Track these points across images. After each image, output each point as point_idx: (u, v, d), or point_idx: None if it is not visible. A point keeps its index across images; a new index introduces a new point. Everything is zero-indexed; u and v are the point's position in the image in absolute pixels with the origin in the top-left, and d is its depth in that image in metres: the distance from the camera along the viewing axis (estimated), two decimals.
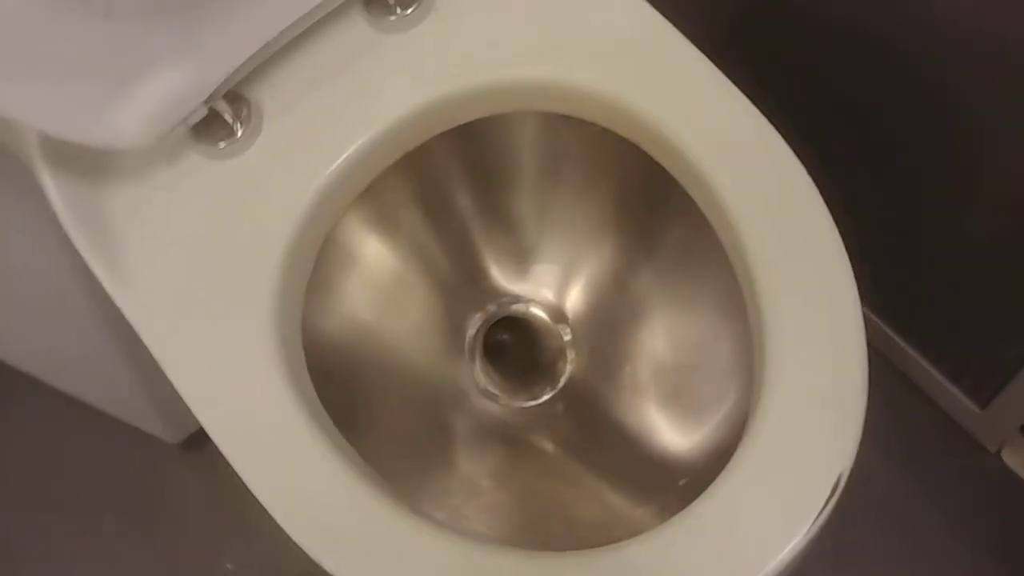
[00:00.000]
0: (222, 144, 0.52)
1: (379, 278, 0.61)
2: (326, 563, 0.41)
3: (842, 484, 0.39)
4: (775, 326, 0.43)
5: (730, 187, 0.47)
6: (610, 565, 0.39)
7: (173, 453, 0.94)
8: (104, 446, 0.98)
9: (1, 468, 1.00)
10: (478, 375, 0.68)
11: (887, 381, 0.89)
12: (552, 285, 0.68)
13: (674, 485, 0.53)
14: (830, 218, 0.46)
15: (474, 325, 0.69)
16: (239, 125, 0.52)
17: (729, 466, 0.41)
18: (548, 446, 0.65)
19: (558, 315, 0.68)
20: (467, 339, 0.68)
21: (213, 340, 0.48)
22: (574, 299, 0.68)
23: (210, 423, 0.46)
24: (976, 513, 0.85)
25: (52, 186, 0.50)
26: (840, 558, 0.84)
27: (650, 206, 0.59)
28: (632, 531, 0.40)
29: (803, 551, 0.39)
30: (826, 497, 0.39)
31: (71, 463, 1.00)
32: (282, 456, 0.44)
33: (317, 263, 0.53)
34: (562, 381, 0.68)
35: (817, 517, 0.39)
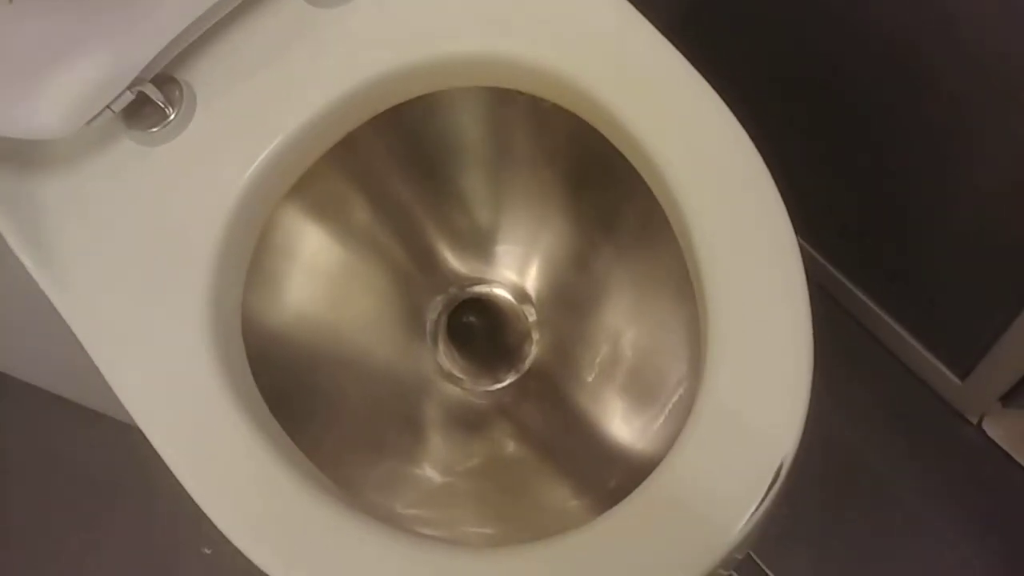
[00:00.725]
0: (154, 129, 0.50)
1: (328, 268, 0.60)
2: (251, 555, 0.40)
3: (784, 471, 0.38)
4: (719, 310, 0.42)
5: (674, 165, 0.45)
6: (543, 559, 0.38)
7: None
8: (82, 432, 0.97)
9: None
10: (442, 359, 0.67)
11: (867, 353, 0.88)
12: (514, 266, 0.66)
13: (611, 482, 0.52)
14: (779, 199, 0.44)
15: (435, 309, 0.67)
16: (171, 108, 0.50)
17: (670, 454, 0.39)
18: (510, 431, 0.64)
19: (522, 296, 0.67)
20: (428, 323, 0.67)
21: (144, 328, 0.47)
22: (537, 280, 0.66)
23: (137, 410, 0.45)
24: (957, 483, 0.84)
25: None
26: (820, 529, 0.84)
27: (607, 182, 0.57)
28: (566, 524, 0.38)
29: (746, 539, 0.38)
30: (768, 485, 0.38)
31: (50, 448, 0.99)
32: (207, 444, 0.43)
33: (261, 255, 0.52)
34: (527, 363, 0.66)
35: (759, 505, 0.38)
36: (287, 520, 0.41)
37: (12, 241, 0.49)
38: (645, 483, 0.40)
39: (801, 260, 0.42)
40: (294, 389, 0.55)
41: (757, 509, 0.38)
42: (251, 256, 0.50)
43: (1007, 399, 0.81)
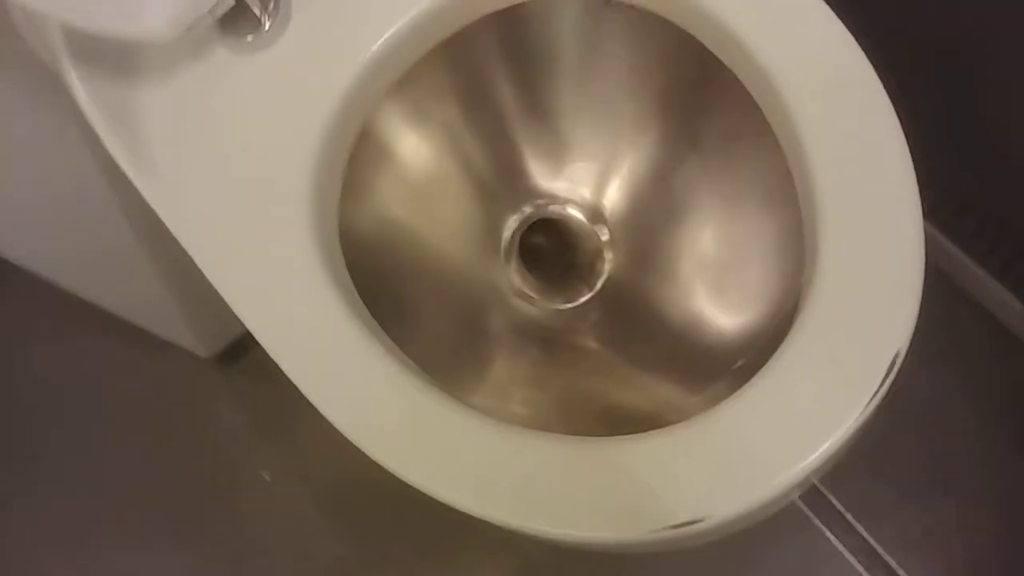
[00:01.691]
0: (250, 37, 0.50)
1: (415, 175, 0.60)
2: (374, 454, 0.41)
3: (899, 362, 0.38)
4: (828, 206, 0.42)
5: (779, 66, 0.45)
6: (662, 447, 0.39)
7: (207, 367, 0.94)
8: (135, 358, 0.97)
9: (24, 383, 1.00)
10: (514, 277, 0.67)
11: (927, 280, 0.87)
12: (590, 183, 0.67)
13: (727, 370, 0.52)
14: (887, 99, 0.44)
15: (510, 227, 0.68)
16: (267, 16, 0.50)
17: (783, 345, 0.40)
18: (590, 345, 0.64)
19: (596, 215, 0.67)
20: (503, 241, 0.67)
21: (251, 238, 0.47)
22: (613, 198, 0.67)
23: (253, 322, 0.45)
24: (1016, 412, 0.84)
25: (79, 84, 0.49)
26: (877, 459, 0.84)
27: (695, 95, 0.57)
28: (685, 418, 0.39)
29: (858, 431, 0.39)
30: (883, 376, 0.38)
31: (100, 376, 0.99)
32: (328, 353, 0.44)
33: (352, 161, 0.52)
34: (600, 282, 0.67)
35: (873, 396, 0.38)
36: (406, 416, 0.42)
37: (110, 144, 0.49)
38: (755, 377, 0.40)
39: (909, 155, 0.42)
40: (377, 296, 0.56)
41: (871, 401, 0.38)
42: (348, 160, 0.51)
43: None
